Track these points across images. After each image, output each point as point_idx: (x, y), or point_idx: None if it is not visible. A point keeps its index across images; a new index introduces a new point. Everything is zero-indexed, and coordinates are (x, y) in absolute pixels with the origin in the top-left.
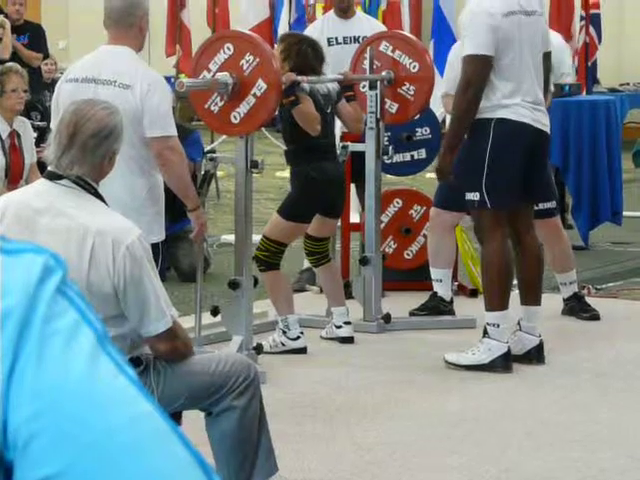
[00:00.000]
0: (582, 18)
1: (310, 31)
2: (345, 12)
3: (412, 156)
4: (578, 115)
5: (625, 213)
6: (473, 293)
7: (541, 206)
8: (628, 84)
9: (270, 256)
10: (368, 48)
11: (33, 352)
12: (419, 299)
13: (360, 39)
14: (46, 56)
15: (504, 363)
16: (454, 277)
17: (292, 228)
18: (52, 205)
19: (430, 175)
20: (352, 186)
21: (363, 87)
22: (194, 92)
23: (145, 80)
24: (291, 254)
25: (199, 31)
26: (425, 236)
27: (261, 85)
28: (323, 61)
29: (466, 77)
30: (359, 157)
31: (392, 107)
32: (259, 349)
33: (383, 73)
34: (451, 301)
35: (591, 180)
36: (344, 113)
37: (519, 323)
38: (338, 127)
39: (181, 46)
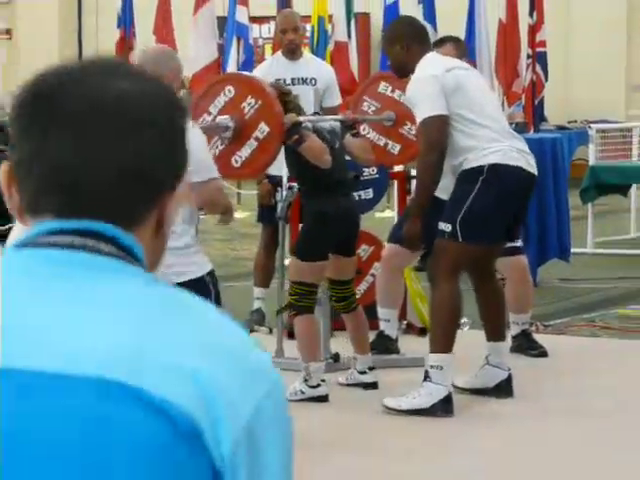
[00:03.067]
0: (528, 56)
1: (258, 72)
2: (293, 53)
3: (359, 196)
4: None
5: (573, 250)
6: (422, 332)
7: (509, 244)
8: (576, 121)
9: (299, 299)
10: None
11: None
12: None
13: (308, 80)
14: None
15: (445, 407)
16: (403, 316)
17: (310, 268)
18: None
19: (378, 215)
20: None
21: (364, 129)
22: None
23: None
24: (240, 295)
25: None
26: (373, 275)
27: (263, 128)
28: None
29: (427, 140)
30: None
31: (394, 148)
32: None
33: (384, 114)
34: (396, 340)
35: (539, 217)
36: (353, 147)
37: (487, 358)
38: (285, 168)
39: None
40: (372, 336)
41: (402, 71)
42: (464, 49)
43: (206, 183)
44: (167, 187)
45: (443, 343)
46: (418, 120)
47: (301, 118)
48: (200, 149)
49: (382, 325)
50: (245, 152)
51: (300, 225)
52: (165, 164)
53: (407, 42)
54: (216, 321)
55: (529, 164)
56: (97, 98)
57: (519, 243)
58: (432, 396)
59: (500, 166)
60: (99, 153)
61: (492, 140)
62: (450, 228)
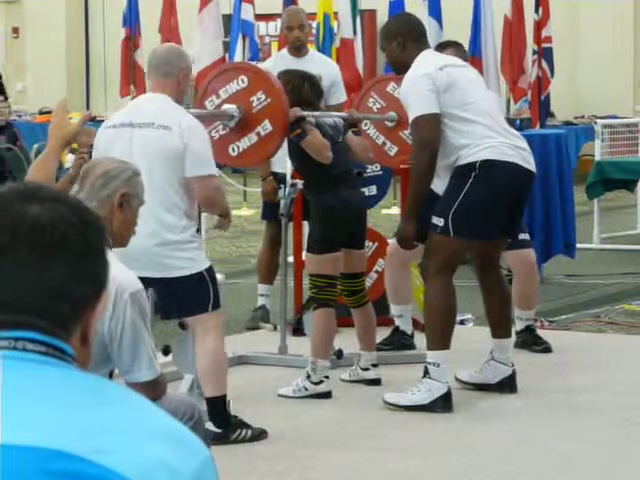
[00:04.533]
0: (534, 52)
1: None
2: (298, 50)
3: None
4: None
5: (579, 245)
6: None
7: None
8: (583, 117)
9: (319, 292)
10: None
11: None
12: None
13: None
14: (5, 98)
15: (444, 404)
16: None
17: (325, 261)
18: None
19: (385, 211)
20: (305, 223)
21: (365, 125)
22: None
23: (184, 121)
24: (245, 292)
25: None
26: (377, 272)
27: (267, 126)
28: (321, 95)
29: (420, 138)
30: None
31: (391, 149)
32: None
33: (389, 113)
34: (412, 335)
35: (543, 213)
36: (352, 144)
37: (491, 353)
38: (289, 164)
39: (135, 86)
40: (381, 332)
41: (399, 68)
42: (465, 53)
43: (204, 179)
44: (89, 304)
45: (439, 340)
46: (410, 118)
47: (305, 113)
48: (203, 145)
49: (397, 321)
50: (244, 144)
51: (303, 222)
52: (83, 284)
53: (403, 39)
54: (145, 405)
55: (525, 160)
56: (14, 227)
57: (526, 236)
58: (431, 392)
59: (493, 162)
60: (19, 277)
61: (485, 137)
62: (442, 223)
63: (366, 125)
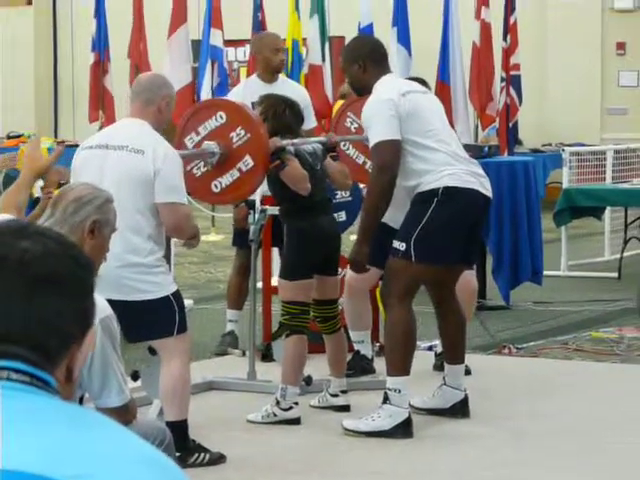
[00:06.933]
0: (503, 79)
1: (233, 95)
2: (278, 73)
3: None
4: (497, 176)
5: (547, 272)
6: None
7: None
8: (550, 145)
9: (291, 319)
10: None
11: None
12: None
13: None
14: None
15: (405, 430)
16: (376, 338)
17: (298, 287)
18: None
19: (353, 237)
20: (274, 249)
21: (344, 146)
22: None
23: (159, 147)
24: (214, 317)
25: (122, 97)
26: None
27: (248, 161)
28: (302, 122)
29: (380, 162)
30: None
31: None
32: None
33: (365, 134)
34: (372, 359)
35: (511, 240)
36: (332, 170)
37: (444, 378)
38: (258, 191)
39: (104, 112)
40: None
41: (359, 90)
42: (428, 88)
43: (172, 206)
44: (76, 340)
45: (400, 366)
46: (372, 143)
47: (284, 142)
48: (175, 172)
49: (357, 347)
50: (226, 180)
51: (272, 248)
52: (71, 320)
53: (364, 62)
54: (126, 433)
55: (483, 187)
56: (2, 259)
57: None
58: (393, 418)
59: (455, 189)
60: (6, 307)
61: (446, 164)
62: (404, 247)
63: (345, 145)
